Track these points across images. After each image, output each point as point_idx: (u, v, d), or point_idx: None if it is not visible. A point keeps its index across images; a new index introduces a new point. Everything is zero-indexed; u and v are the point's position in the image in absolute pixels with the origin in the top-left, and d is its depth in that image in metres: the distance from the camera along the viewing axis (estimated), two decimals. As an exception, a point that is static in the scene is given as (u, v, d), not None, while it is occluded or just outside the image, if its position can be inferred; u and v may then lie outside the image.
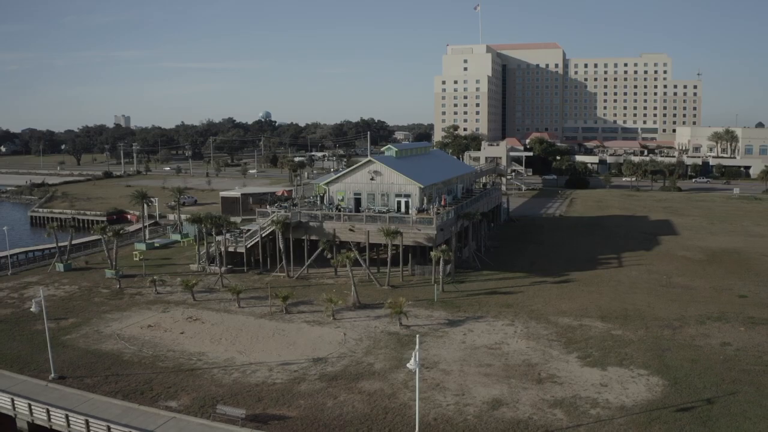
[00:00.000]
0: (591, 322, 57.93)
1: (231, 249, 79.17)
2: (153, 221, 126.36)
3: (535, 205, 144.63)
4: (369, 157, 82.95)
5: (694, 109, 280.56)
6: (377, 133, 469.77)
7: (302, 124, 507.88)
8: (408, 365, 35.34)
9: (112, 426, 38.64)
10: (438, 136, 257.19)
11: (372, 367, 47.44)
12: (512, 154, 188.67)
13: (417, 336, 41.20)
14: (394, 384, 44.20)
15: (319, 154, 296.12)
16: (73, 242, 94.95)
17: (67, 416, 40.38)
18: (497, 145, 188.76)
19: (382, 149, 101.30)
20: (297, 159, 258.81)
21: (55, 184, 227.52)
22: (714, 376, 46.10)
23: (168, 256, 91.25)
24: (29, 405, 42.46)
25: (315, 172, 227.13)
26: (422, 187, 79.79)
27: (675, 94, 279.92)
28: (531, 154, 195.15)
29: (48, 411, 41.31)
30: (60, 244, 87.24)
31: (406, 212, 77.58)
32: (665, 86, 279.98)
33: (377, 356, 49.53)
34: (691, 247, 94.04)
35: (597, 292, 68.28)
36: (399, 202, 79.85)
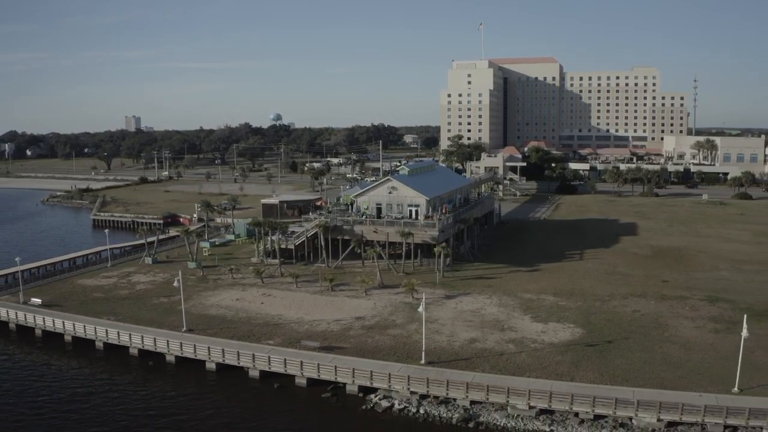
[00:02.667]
0: (546, 296, 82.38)
1: (282, 246, 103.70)
2: (203, 224, 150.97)
3: (526, 209, 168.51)
4: (388, 176, 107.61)
5: (681, 118, 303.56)
6: (387, 138, 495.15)
7: (312, 125, 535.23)
8: (418, 309, 60.12)
9: (240, 351, 63.44)
10: (444, 144, 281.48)
11: (394, 321, 72.28)
12: (508, 163, 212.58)
13: (423, 295, 65.55)
14: (409, 330, 68.91)
15: (335, 160, 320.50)
16: (144, 241, 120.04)
17: (208, 348, 65.22)
18: (495, 156, 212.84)
19: (396, 167, 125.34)
20: (316, 165, 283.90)
21: (99, 189, 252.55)
22: (618, 329, 70.35)
23: (229, 252, 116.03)
24: (180, 343, 67.30)
25: (333, 178, 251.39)
26: (428, 198, 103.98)
27: (663, 104, 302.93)
28: (525, 164, 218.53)
29: (194, 346, 66.14)
30: (149, 240, 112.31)
31: (416, 218, 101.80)
32: (654, 97, 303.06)
33: (397, 316, 74.38)
34: (642, 245, 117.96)
35: (556, 277, 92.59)
36: (411, 211, 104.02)
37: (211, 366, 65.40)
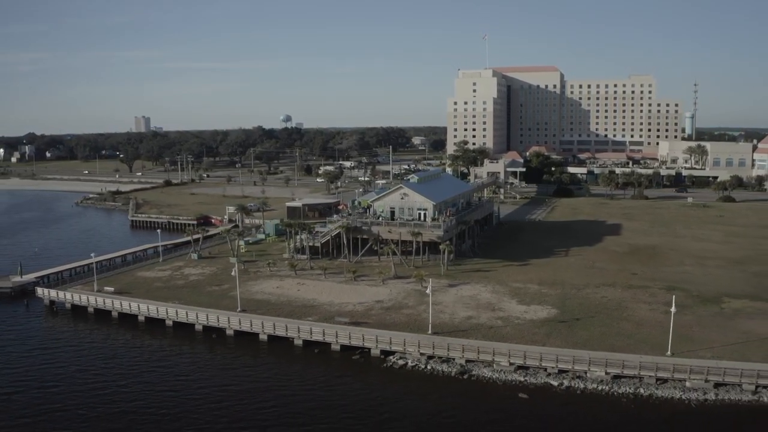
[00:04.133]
0: (532, 285, 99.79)
1: (310, 244, 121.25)
2: (234, 224, 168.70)
3: (524, 211, 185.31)
4: (400, 184, 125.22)
5: (676, 124, 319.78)
6: (396, 141, 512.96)
7: (320, 125, 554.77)
8: (426, 291, 77.73)
9: (287, 325, 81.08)
10: (450, 149, 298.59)
11: (407, 304, 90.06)
12: (509, 169, 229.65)
13: (430, 283, 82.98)
14: (419, 311, 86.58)
15: (348, 163, 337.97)
16: (183, 240, 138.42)
17: (262, 323, 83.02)
18: (497, 162, 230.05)
19: (405, 171, 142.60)
20: (330, 169, 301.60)
21: (128, 192, 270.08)
22: (587, 310, 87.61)
23: (262, 249, 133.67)
24: (239, 319, 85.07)
25: (347, 181, 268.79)
26: (435, 203, 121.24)
27: (658, 111, 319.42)
28: (524, 169, 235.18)
29: (250, 321, 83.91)
30: (194, 237, 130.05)
31: (424, 220, 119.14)
32: (650, 104, 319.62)
33: (409, 300, 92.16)
34: (622, 244, 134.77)
35: (542, 270, 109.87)
36: (420, 214, 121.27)
37: (263, 337, 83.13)
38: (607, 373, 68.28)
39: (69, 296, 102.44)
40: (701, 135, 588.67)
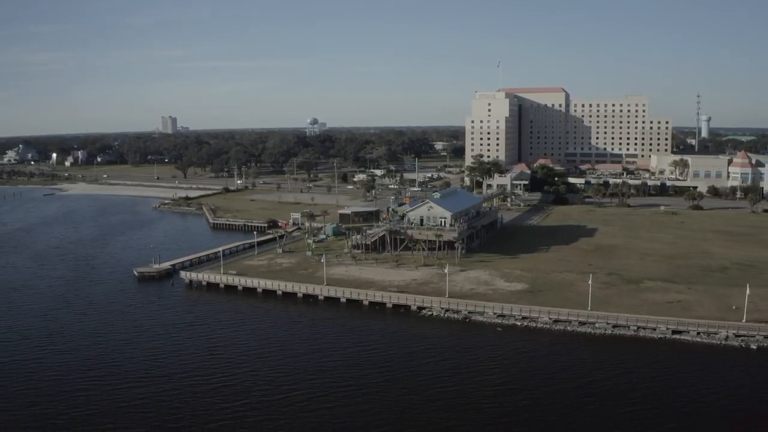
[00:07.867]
0: (516, 270, 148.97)
1: (364, 242, 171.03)
2: (296, 227, 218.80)
3: (524, 217, 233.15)
4: (427, 199, 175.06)
5: (666, 139, 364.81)
6: (420, 148, 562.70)
7: (346, 124, 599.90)
8: (444, 271, 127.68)
9: (359, 292, 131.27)
10: (468, 161, 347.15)
11: (432, 281, 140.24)
12: (515, 181, 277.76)
13: (447, 269, 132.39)
14: (441, 285, 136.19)
15: (378, 172, 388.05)
16: (263, 239, 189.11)
17: (343, 291, 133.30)
18: (504, 175, 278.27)
19: (432, 192, 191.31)
20: (363, 177, 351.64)
21: (195, 198, 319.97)
22: (548, 285, 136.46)
23: (325, 245, 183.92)
24: (327, 289, 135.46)
25: (379, 189, 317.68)
26: (452, 213, 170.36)
27: (651, 127, 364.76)
28: (527, 182, 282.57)
29: (335, 290, 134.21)
30: (279, 235, 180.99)
31: (444, 225, 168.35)
32: (643, 121, 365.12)
33: (434, 279, 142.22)
34: (591, 243, 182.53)
35: (526, 261, 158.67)
36: (441, 221, 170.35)
37: (343, 300, 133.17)
38: (549, 318, 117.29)
39: (205, 276, 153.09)
40: (715, 136, 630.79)
